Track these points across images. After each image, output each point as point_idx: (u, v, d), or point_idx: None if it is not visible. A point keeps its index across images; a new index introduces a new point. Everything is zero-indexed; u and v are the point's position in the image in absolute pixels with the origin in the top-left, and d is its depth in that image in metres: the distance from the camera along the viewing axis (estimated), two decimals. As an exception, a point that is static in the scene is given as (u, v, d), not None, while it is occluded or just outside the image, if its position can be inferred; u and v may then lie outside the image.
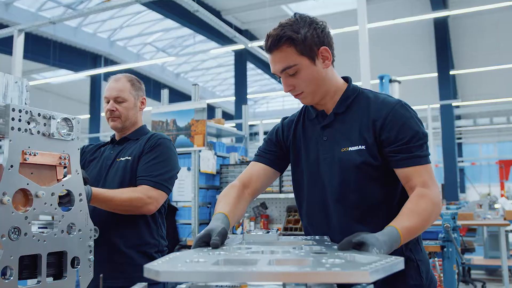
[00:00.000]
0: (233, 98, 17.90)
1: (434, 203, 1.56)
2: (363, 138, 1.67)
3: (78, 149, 1.76)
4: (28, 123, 1.58)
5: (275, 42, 1.64)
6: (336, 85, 1.76)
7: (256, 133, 16.99)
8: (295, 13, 1.72)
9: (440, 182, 15.84)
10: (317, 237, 1.61)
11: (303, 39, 1.64)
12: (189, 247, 5.18)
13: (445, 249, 3.64)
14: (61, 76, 17.74)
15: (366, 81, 4.69)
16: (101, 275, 1.35)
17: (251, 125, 18.25)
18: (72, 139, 1.73)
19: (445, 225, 3.56)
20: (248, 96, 20.23)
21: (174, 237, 5.36)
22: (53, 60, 15.61)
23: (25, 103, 1.65)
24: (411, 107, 1.71)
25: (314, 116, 1.81)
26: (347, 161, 1.67)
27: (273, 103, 27.63)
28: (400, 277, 1.65)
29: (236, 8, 14.62)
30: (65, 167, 1.72)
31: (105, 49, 17.53)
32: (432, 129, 13.41)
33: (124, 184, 2.30)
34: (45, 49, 15.34)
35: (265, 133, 13.16)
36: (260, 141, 12.36)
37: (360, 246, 1.26)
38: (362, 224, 1.63)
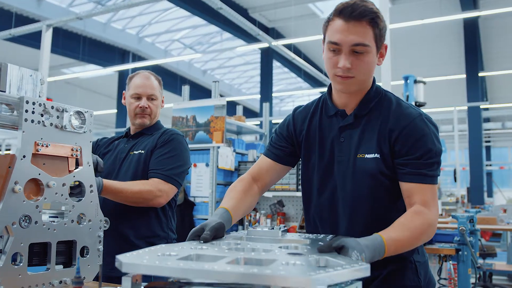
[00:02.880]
0: (258, 96, 17.95)
1: (429, 224, 1.52)
2: (379, 147, 1.62)
3: (90, 141, 1.81)
4: (42, 115, 1.64)
5: (362, 13, 1.53)
6: (369, 85, 1.71)
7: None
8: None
9: (466, 185, 15.60)
10: (320, 236, 1.60)
11: (382, 28, 1.59)
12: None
13: (460, 253, 3.60)
14: (89, 71, 18.05)
15: (386, 82, 4.65)
16: (100, 263, 1.39)
17: (276, 123, 18.25)
18: (84, 132, 1.78)
19: (460, 228, 3.51)
20: (273, 94, 20.24)
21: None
22: (82, 55, 15.91)
23: (39, 96, 1.70)
24: (432, 120, 1.65)
25: (333, 113, 1.73)
26: (362, 168, 1.63)
27: (299, 101, 27.55)
28: (398, 277, 1.67)
29: (263, 6, 14.64)
30: (77, 159, 1.78)
31: (133, 45, 17.77)
32: (459, 131, 13.19)
33: (137, 177, 2.36)
34: (75, 44, 15.65)
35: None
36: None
37: (340, 250, 1.25)
38: (367, 233, 1.56)
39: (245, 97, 23.20)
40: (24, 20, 13.23)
